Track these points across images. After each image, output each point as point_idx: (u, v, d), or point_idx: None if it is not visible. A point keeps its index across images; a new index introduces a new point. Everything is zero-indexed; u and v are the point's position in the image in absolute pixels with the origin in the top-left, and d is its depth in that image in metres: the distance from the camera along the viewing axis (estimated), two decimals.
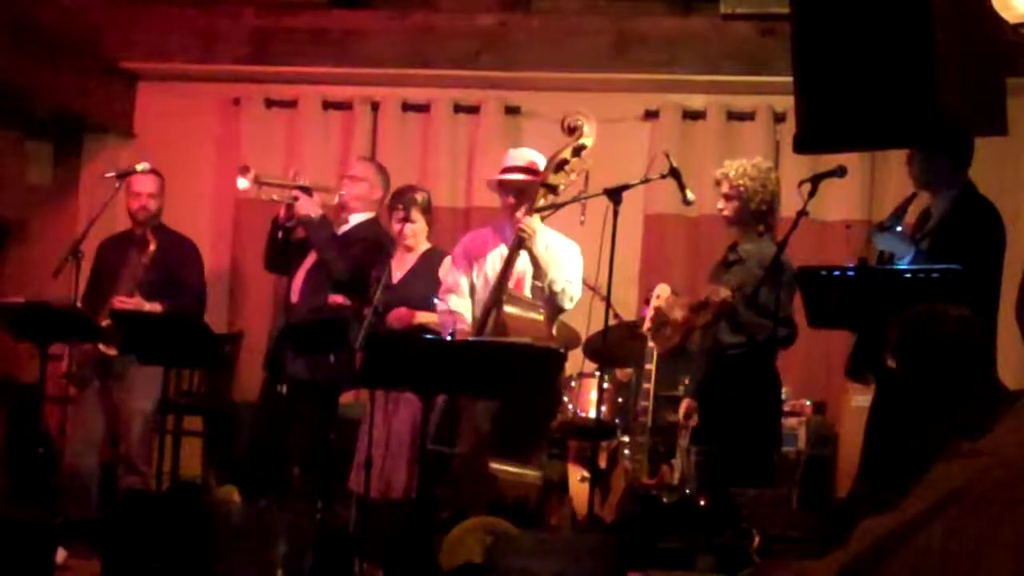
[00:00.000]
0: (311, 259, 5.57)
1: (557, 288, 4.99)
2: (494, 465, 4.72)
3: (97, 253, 5.84)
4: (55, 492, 5.44)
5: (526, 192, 5.03)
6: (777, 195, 4.97)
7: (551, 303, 5.00)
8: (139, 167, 5.66)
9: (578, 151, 4.92)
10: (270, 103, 7.05)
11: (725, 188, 4.95)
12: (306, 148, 6.85)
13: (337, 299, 5.45)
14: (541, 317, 4.94)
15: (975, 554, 1.23)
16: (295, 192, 5.53)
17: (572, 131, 4.94)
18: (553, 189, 4.94)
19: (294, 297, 5.53)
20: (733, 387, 4.78)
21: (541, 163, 5.08)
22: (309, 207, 5.52)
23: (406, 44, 6.74)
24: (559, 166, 4.92)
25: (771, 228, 4.96)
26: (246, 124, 7.02)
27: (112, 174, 5.70)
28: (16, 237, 7.13)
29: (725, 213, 4.99)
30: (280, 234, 5.60)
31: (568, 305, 5.07)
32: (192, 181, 6.76)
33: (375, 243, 5.58)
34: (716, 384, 4.89)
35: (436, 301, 5.19)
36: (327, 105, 6.99)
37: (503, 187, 5.15)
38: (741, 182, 4.90)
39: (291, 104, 7.02)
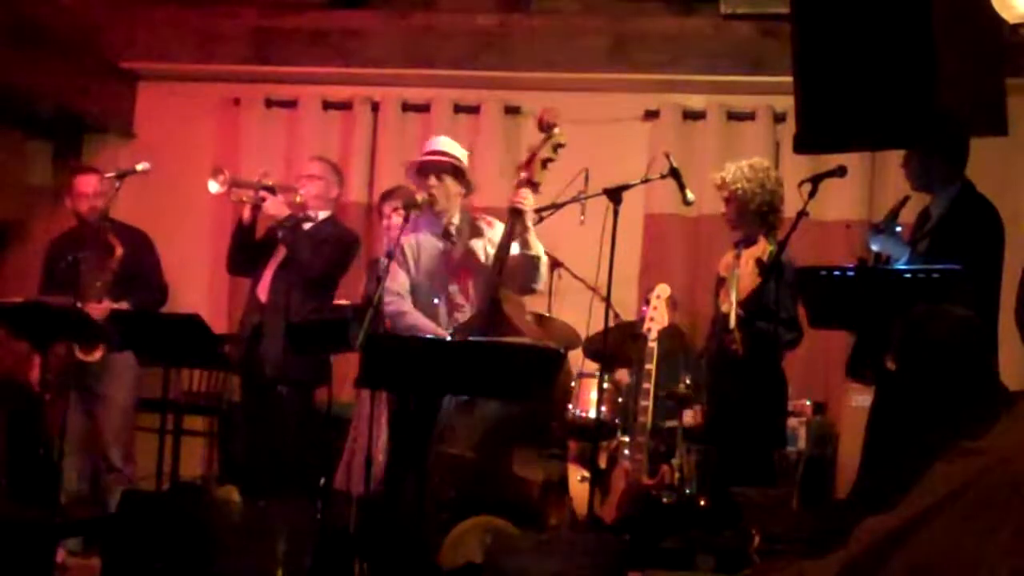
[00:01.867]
0: (277, 258, 5.57)
1: (544, 260, 4.84)
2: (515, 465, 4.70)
3: (48, 252, 5.79)
4: (55, 492, 5.43)
5: (428, 172, 4.94)
6: (778, 194, 4.95)
7: (524, 279, 4.83)
8: (139, 167, 5.64)
9: (556, 148, 4.83)
10: (270, 103, 7.05)
11: (724, 192, 4.94)
12: (306, 148, 6.84)
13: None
14: (531, 317, 4.91)
15: (975, 554, 1.23)
16: (263, 193, 5.55)
17: (550, 128, 4.84)
18: (536, 187, 4.85)
19: (262, 296, 5.54)
20: (739, 388, 4.78)
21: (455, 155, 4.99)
22: (276, 207, 5.54)
23: (406, 44, 6.74)
24: (544, 164, 4.82)
25: (775, 228, 4.95)
26: (246, 124, 7.02)
27: (112, 174, 5.69)
28: (16, 237, 7.12)
29: (728, 217, 4.99)
30: (245, 236, 5.64)
31: (541, 282, 4.91)
32: (192, 181, 6.74)
33: (343, 241, 5.65)
34: (722, 385, 4.89)
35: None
36: (327, 105, 7.00)
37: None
38: (738, 185, 4.89)
39: (291, 104, 7.03)
